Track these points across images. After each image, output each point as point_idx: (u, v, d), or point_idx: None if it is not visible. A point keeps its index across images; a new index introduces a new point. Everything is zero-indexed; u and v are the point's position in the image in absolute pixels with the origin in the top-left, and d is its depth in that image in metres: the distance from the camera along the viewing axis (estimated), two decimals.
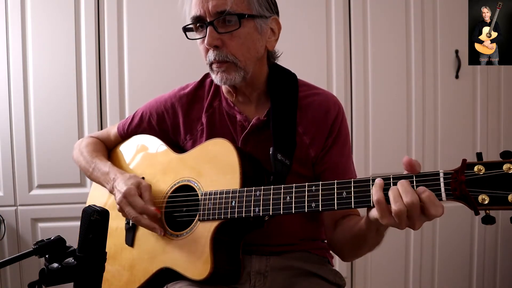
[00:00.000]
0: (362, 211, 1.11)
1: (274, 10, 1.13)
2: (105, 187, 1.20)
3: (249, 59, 1.08)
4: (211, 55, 1.06)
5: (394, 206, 0.77)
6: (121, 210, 1.09)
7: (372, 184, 0.82)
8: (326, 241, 1.20)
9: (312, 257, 1.17)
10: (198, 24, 1.07)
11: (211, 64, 1.08)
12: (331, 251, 1.18)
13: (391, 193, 0.78)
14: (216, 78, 1.09)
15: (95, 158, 1.25)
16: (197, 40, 1.09)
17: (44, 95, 2.07)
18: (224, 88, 1.19)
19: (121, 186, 1.10)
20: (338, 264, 2.06)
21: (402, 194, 0.77)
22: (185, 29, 1.11)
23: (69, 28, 2.06)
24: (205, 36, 1.04)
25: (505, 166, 0.72)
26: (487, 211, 0.75)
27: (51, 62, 2.06)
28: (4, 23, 2.04)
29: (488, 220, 0.74)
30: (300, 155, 1.12)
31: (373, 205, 0.81)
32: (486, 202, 0.73)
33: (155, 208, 1.07)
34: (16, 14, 2.04)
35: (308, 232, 1.19)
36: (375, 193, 0.80)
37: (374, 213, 0.83)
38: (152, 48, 2.10)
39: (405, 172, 0.81)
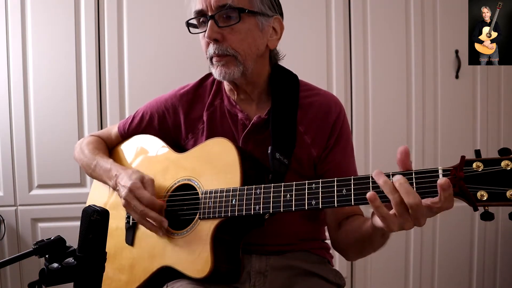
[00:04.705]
0: (365, 210, 1.11)
1: (278, 10, 1.13)
2: (107, 184, 1.20)
3: (249, 54, 1.08)
4: (211, 49, 1.07)
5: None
6: (126, 204, 1.09)
7: (372, 182, 0.82)
8: (329, 240, 1.20)
9: (312, 257, 1.17)
10: (201, 19, 1.08)
11: (211, 58, 1.09)
12: (335, 250, 1.18)
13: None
14: (215, 72, 1.09)
15: (97, 155, 1.25)
16: (199, 35, 1.10)
17: (44, 95, 2.07)
18: (226, 86, 1.19)
19: (126, 181, 1.10)
20: (338, 264, 2.06)
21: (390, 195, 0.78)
22: (188, 24, 1.12)
23: (69, 28, 2.06)
24: (206, 30, 1.05)
25: (503, 163, 0.72)
26: (486, 207, 0.75)
27: (51, 62, 2.07)
28: (4, 23, 2.04)
29: (487, 216, 0.75)
30: (301, 155, 1.12)
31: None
32: (485, 198, 0.73)
33: (161, 200, 1.08)
34: (16, 14, 2.04)
35: (308, 232, 1.19)
36: (376, 209, 0.79)
37: (379, 222, 0.83)
38: (152, 48, 2.10)
39: (398, 163, 0.81)
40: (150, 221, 1.07)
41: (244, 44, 1.06)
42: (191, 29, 1.12)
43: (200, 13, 1.07)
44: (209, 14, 1.05)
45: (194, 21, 1.10)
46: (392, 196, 0.77)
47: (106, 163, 1.21)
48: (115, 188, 1.16)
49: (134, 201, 1.07)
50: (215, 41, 1.06)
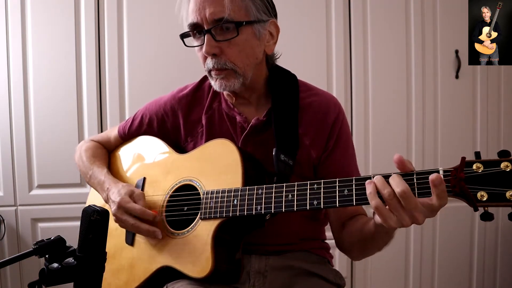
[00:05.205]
0: (368, 210, 1.11)
1: (272, 13, 1.12)
2: (101, 195, 1.21)
3: (248, 65, 1.07)
4: (210, 62, 1.06)
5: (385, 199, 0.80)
6: (117, 220, 1.09)
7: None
8: (329, 240, 1.20)
9: (312, 257, 1.17)
10: (195, 31, 1.07)
11: (209, 71, 1.08)
12: (338, 250, 1.18)
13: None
14: (215, 84, 1.08)
15: (93, 164, 1.25)
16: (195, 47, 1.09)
17: (44, 96, 2.07)
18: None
19: (115, 196, 1.10)
20: (338, 264, 2.06)
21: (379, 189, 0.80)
22: (183, 36, 1.10)
23: (69, 28, 2.06)
24: (203, 43, 1.04)
25: (502, 164, 0.74)
26: (486, 208, 0.76)
27: (51, 62, 2.06)
28: (4, 23, 2.04)
29: (486, 217, 0.76)
30: (301, 156, 1.12)
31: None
32: (485, 198, 0.74)
33: (153, 210, 1.08)
34: (16, 14, 2.04)
35: (308, 232, 1.19)
36: (371, 199, 0.81)
37: (377, 218, 0.84)
38: (152, 48, 2.10)
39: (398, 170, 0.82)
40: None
41: (242, 56, 1.05)
42: (186, 40, 1.10)
43: (194, 26, 1.06)
44: (205, 27, 1.03)
45: (188, 32, 1.09)
46: (383, 191, 0.79)
47: (101, 174, 1.21)
48: (107, 201, 1.16)
49: (124, 216, 1.07)
50: (213, 55, 1.04)
